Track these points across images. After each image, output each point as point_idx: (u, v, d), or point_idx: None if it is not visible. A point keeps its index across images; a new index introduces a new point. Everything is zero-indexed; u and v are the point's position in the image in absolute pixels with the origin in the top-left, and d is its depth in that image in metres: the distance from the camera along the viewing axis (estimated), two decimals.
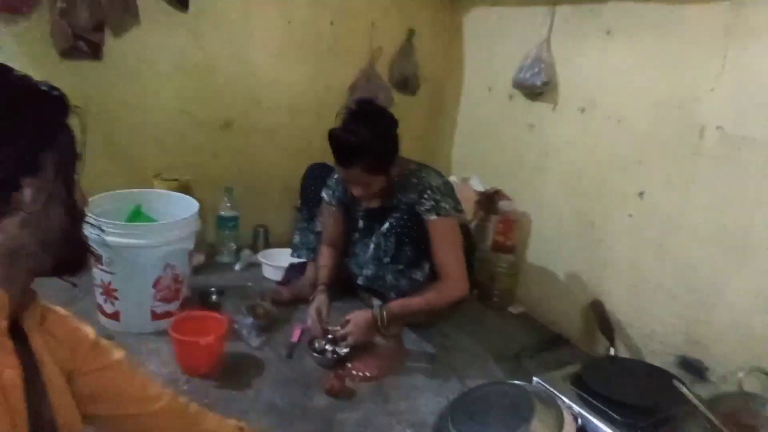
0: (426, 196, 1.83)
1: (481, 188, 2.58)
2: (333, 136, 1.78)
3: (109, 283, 1.91)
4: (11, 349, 0.67)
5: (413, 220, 1.79)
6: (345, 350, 1.87)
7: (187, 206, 2.09)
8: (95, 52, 2.22)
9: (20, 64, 2.30)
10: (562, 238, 2.26)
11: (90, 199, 1.95)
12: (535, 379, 1.67)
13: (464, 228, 1.97)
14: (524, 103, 2.43)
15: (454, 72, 2.90)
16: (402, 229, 1.78)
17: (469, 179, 2.65)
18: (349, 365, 1.86)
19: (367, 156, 1.75)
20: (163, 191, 2.25)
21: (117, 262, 1.87)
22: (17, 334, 0.73)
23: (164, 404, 0.94)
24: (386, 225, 1.82)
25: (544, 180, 2.34)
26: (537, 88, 2.28)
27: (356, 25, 2.72)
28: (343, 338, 1.85)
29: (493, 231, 2.47)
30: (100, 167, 2.37)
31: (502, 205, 2.42)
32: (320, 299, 1.99)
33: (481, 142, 2.76)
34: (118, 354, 0.92)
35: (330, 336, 1.90)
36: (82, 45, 2.16)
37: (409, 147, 2.00)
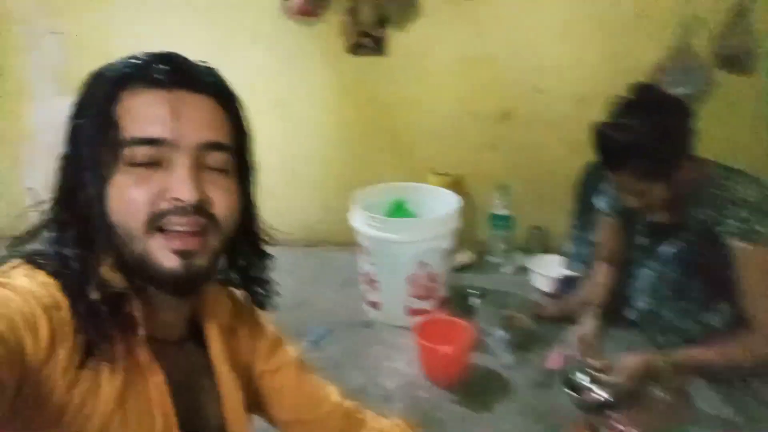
0: (729, 212, 1.36)
1: None
2: (598, 133, 1.45)
3: (370, 273, 1.95)
4: (151, 357, 0.66)
5: (709, 244, 1.34)
6: (608, 396, 1.53)
7: (450, 203, 2.00)
8: (379, 47, 2.29)
9: (314, 62, 2.56)
10: None
11: (359, 191, 2.07)
12: None
13: None
14: None
15: None
16: (691, 255, 1.34)
17: None
18: (611, 414, 1.52)
19: (639, 158, 1.38)
20: (429, 186, 2.21)
21: (376, 254, 1.90)
22: (197, 332, 0.76)
23: (330, 408, 0.92)
24: (671, 248, 1.40)
25: None
26: None
27: None
28: (608, 383, 1.51)
29: None
30: (382, 160, 2.48)
31: None
32: (588, 325, 1.69)
33: None
34: (292, 354, 0.91)
35: (593, 373, 1.58)
36: (368, 41, 2.26)
37: (730, 146, 1.52)
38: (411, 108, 2.44)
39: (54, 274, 0.61)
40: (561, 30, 2.32)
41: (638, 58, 2.30)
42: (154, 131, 0.62)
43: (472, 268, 2.40)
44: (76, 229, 0.65)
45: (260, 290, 0.83)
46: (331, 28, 2.30)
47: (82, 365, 0.59)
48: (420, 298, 1.94)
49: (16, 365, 0.53)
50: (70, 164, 0.66)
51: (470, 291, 2.12)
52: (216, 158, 0.66)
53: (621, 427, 1.47)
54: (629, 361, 1.50)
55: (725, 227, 1.36)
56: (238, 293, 0.84)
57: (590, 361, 1.60)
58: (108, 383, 0.61)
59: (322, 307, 2.09)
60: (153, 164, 0.62)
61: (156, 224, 0.62)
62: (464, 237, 2.05)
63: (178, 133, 0.63)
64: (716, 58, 2.24)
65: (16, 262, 0.63)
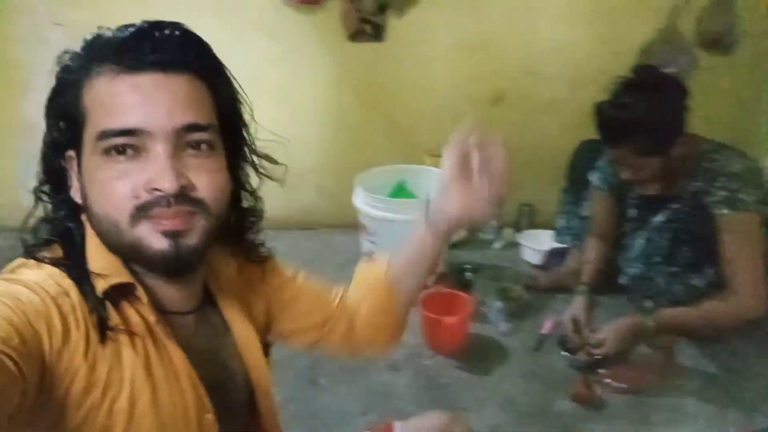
0: (719, 184, 1.47)
1: None
2: (599, 111, 1.55)
3: (373, 252, 2.05)
4: (170, 335, 0.69)
5: (697, 213, 1.46)
6: (598, 352, 1.65)
7: None
8: (378, 34, 2.36)
9: (314, 49, 2.60)
10: None
11: (360, 174, 2.16)
12: None
13: None
14: None
15: None
16: (681, 223, 1.46)
17: None
18: (603, 372, 1.64)
19: (638, 134, 1.49)
20: (427, 167, 2.31)
21: (379, 234, 2.00)
22: (212, 297, 0.78)
23: (335, 305, 0.93)
24: (661, 217, 1.52)
25: None
26: None
27: None
28: (598, 345, 1.64)
29: None
30: (381, 143, 2.56)
31: None
32: (579, 304, 1.80)
33: None
34: (294, 269, 0.92)
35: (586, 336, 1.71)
36: (367, 28, 2.32)
37: (714, 123, 1.64)
38: (408, 93, 2.51)
39: (56, 263, 0.63)
40: (556, 14, 2.41)
41: (627, 41, 2.40)
42: (128, 121, 0.60)
43: (465, 244, 2.51)
44: (67, 214, 0.67)
45: (255, 249, 0.84)
46: (331, 15, 2.35)
47: (102, 341, 0.61)
48: None
49: (34, 358, 0.55)
50: (49, 150, 0.67)
51: (465, 266, 2.24)
52: (196, 138, 0.63)
53: (614, 383, 1.60)
54: (619, 322, 1.63)
55: (713, 197, 1.47)
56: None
57: (584, 336, 1.71)
58: (130, 353, 0.63)
59: None
60: (131, 153, 0.61)
61: (141, 216, 0.61)
62: None
63: (152, 121, 0.60)
64: (700, 39, 2.36)
65: (19, 261, 0.65)
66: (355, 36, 2.37)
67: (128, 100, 0.60)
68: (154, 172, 0.60)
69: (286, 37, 2.39)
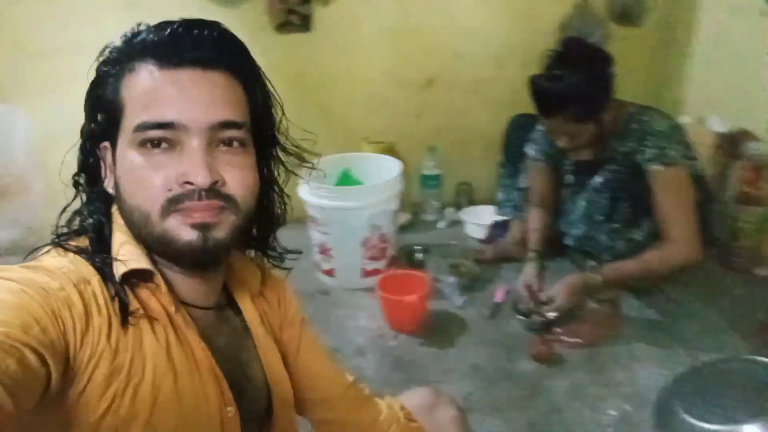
0: (648, 142, 1.58)
1: (721, 129, 2.16)
2: (534, 84, 1.63)
3: (325, 243, 2.05)
4: (187, 323, 0.68)
5: (632, 172, 1.56)
6: (553, 314, 1.74)
7: (391, 167, 2.13)
8: (305, 24, 2.35)
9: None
10: None
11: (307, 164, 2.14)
12: None
13: (698, 179, 1.67)
14: None
15: None
16: (618, 183, 1.56)
17: (706, 120, 2.24)
18: (557, 330, 1.74)
19: (572, 103, 1.57)
20: (369, 154, 2.33)
21: (329, 223, 2.00)
22: (233, 302, 0.78)
23: (343, 390, 0.90)
24: (599, 179, 1.62)
25: None
26: None
27: None
28: (549, 302, 1.73)
29: (737, 180, 2.06)
30: (317, 133, 2.54)
31: (750, 147, 2.00)
32: (530, 270, 1.87)
33: (723, 75, 2.29)
34: (312, 332, 0.90)
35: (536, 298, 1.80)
36: (294, 18, 2.30)
37: (630, 89, 1.75)
38: (340, 81, 2.52)
39: (79, 251, 0.64)
40: None
41: (545, 19, 2.51)
42: (165, 114, 0.61)
43: (411, 227, 2.56)
44: (97, 205, 0.69)
45: (276, 256, 0.84)
46: (256, 7, 2.31)
47: (123, 326, 0.61)
48: (373, 259, 2.07)
49: (58, 346, 0.54)
50: (86, 141, 0.69)
51: (415, 247, 2.28)
52: (230, 136, 0.65)
53: (569, 339, 1.70)
54: (567, 279, 1.72)
55: (645, 155, 1.57)
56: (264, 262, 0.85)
57: (537, 299, 1.79)
58: (152, 340, 0.63)
59: None
60: (165, 146, 0.62)
61: (172, 208, 0.62)
62: (401, 199, 2.18)
63: (189, 116, 0.61)
64: (611, 12, 2.51)
65: (45, 248, 0.65)
66: (282, 27, 2.34)
67: (166, 94, 0.62)
68: (187, 165, 0.61)
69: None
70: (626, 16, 2.52)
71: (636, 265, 1.63)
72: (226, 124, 0.64)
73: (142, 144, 0.62)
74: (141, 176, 0.62)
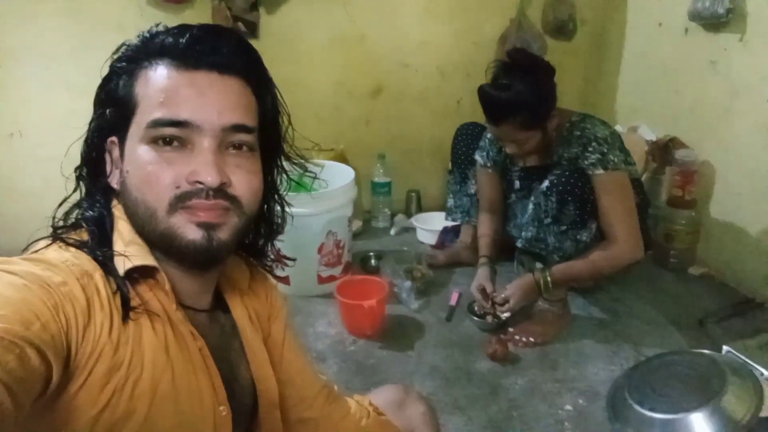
0: (591, 148, 1.67)
1: (652, 137, 2.32)
2: (482, 93, 1.69)
3: (279, 250, 2.02)
4: (188, 323, 0.69)
5: (576, 176, 1.64)
6: (506, 314, 1.81)
7: (344, 175, 2.14)
8: (252, 31, 2.34)
9: None
10: (754, 190, 1.96)
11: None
12: (725, 348, 1.49)
13: (635, 183, 1.78)
14: (704, 37, 2.12)
15: (617, 10, 2.62)
16: (564, 186, 1.64)
17: (638, 128, 2.40)
18: (511, 330, 1.80)
19: (520, 111, 1.64)
20: (322, 161, 2.33)
21: (285, 231, 1.98)
22: (222, 301, 0.78)
23: (316, 390, 0.91)
24: (546, 183, 1.69)
25: (731, 124, 2.03)
26: (720, 18, 1.96)
27: None
28: (503, 303, 1.79)
29: (669, 184, 2.22)
30: None
31: (680, 154, 2.15)
32: (483, 273, 1.92)
33: (651, 86, 2.47)
34: (293, 334, 0.91)
35: (491, 300, 1.86)
36: (240, 26, 2.29)
37: (567, 98, 1.85)
38: (289, 89, 2.42)
39: (81, 245, 0.63)
40: (422, 11, 2.55)
41: (485, 32, 2.62)
42: (180, 113, 0.62)
43: (363, 234, 2.59)
44: (99, 198, 0.69)
45: (268, 260, 0.85)
46: (200, 13, 2.28)
47: (124, 320, 0.61)
48: (329, 266, 2.07)
49: (59, 342, 0.54)
50: (93, 134, 0.69)
51: (369, 254, 2.31)
52: (240, 139, 0.66)
53: (522, 338, 1.76)
54: (520, 281, 1.79)
55: (587, 160, 1.66)
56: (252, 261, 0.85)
57: (491, 300, 1.85)
58: (151, 335, 0.63)
59: None
60: (177, 145, 0.63)
61: (179, 205, 0.63)
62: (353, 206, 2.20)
63: (203, 116, 0.63)
64: (546, 27, 2.64)
65: (44, 242, 0.64)
66: None
67: (183, 93, 0.63)
68: (198, 164, 0.63)
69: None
70: (560, 31, 2.66)
71: (584, 264, 1.71)
72: (238, 128, 0.66)
73: (154, 140, 0.63)
74: (150, 171, 0.63)
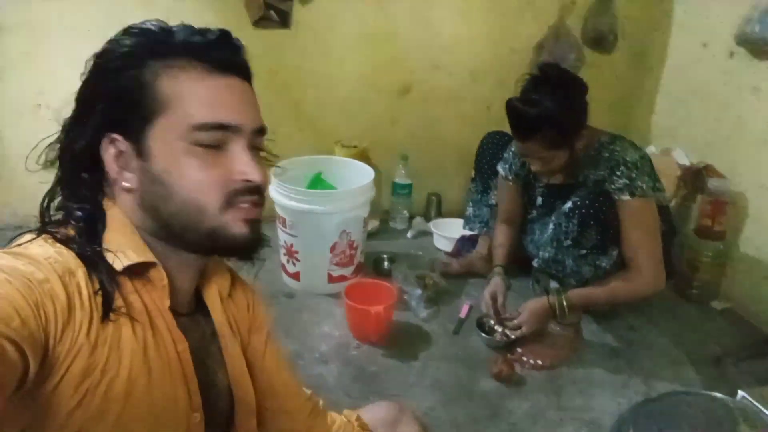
0: (619, 172, 1.61)
1: (685, 162, 2.24)
2: (510, 107, 1.63)
3: (291, 245, 2.01)
4: (173, 325, 0.70)
5: (601, 200, 1.58)
6: (516, 333, 1.76)
7: (364, 174, 2.11)
8: (284, 21, 2.30)
9: None
10: None
11: (277, 164, 2.09)
12: (740, 392, 1.42)
13: (663, 210, 1.71)
14: (749, 62, 2.03)
15: (661, 26, 2.52)
16: (588, 209, 1.58)
17: (672, 151, 2.32)
18: (519, 350, 1.75)
19: (547, 129, 1.58)
20: (343, 159, 2.30)
21: (298, 226, 1.96)
22: (202, 303, 0.78)
23: (300, 403, 0.93)
24: (569, 204, 1.63)
25: None
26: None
27: None
28: (516, 327, 1.74)
29: (698, 213, 2.13)
30: (287, 133, 2.50)
31: (713, 183, 2.07)
32: (496, 283, 1.88)
33: (690, 109, 2.37)
34: (277, 344, 0.91)
35: (501, 317, 1.81)
36: (272, 14, 2.25)
37: (600, 113, 1.78)
38: (315, 81, 2.48)
39: (66, 241, 0.63)
40: (457, 11, 2.48)
41: (522, 38, 2.54)
42: (226, 117, 0.65)
43: (379, 234, 2.55)
44: (89, 195, 0.68)
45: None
46: (234, 0, 2.25)
47: (104, 320, 0.61)
48: (340, 265, 2.04)
49: (37, 338, 0.54)
50: (93, 129, 0.66)
51: (383, 256, 2.27)
52: (261, 141, 0.71)
53: (530, 360, 1.72)
54: (535, 304, 1.74)
55: (614, 184, 1.60)
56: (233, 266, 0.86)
57: (501, 314, 1.81)
58: (131, 337, 0.63)
59: None
60: (214, 146, 0.66)
61: (229, 203, 0.66)
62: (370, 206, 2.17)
63: (243, 120, 0.67)
64: (585, 37, 2.55)
65: (30, 236, 0.63)
66: (260, 22, 2.29)
67: (225, 98, 0.67)
68: (243, 164, 0.67)
69: (188, 23, 2.25)
70: (599, 42, 2.56)
71: (602, 292, 1.66)
72: (263, 130, 0.71)
73: (197, 142, 0.65)
74: (197, 173, 0.65)
